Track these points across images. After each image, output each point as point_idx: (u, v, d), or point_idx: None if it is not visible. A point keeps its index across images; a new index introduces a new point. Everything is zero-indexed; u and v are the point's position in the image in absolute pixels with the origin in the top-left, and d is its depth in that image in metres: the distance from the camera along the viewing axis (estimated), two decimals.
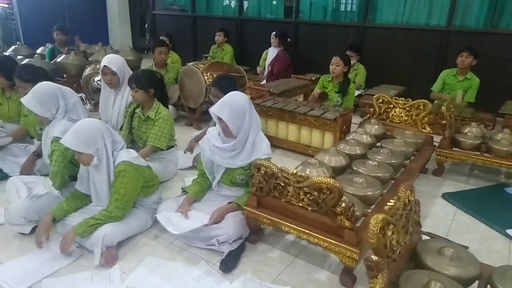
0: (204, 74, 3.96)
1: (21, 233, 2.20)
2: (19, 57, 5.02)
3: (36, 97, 2.29)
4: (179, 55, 5.46)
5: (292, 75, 4.94)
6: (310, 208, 1.85)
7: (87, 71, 4.61)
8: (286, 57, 5.16)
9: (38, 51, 5.52)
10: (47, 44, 5.58)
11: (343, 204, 1.73)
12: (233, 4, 7.18)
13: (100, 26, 7.71)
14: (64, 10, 6.99)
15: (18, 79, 2.83)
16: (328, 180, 1.71)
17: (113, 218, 2.02)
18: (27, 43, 6.01)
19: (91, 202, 2.22)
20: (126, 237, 2.14)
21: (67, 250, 1.98)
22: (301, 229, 1.91)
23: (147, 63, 5.38)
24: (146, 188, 2.21)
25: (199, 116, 4.29)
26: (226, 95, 2.19)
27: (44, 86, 2.35)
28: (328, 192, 1.73)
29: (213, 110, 2.12)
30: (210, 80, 3.97)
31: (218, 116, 2.11)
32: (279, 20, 6.50)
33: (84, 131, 1.95)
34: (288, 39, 5.52)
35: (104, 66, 3.06)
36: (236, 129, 2.12)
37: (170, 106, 3.43)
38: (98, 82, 4.22)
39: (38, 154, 2.80)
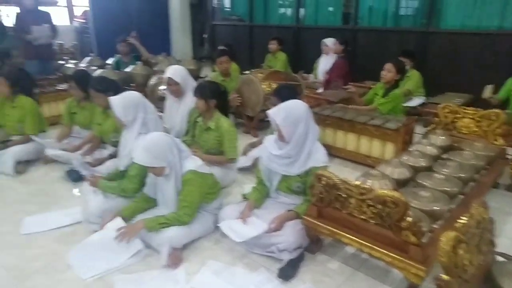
0: (262, 83, 4.04)
1: (97, 231, 2.39)
2: (92, 67, 5.47)
3: (123, 100, 2.51)
4: (237, 64, 5.61)
5: (350, 83, 4.86)
6: (372, 221, 1.82)
7: (152, 80, 4.90)
8: (344, 65, 5.09)
9: (109, 61, 5.97)
10: (115, 55, 6.01)
11: (409, 219, 1.68)
12: (289, 12, 7.24)
13: (164, 38, 8.15)
14: (132, 24, 7.47)
15: (93, 90, 3.10)
16: (394, 193, 1.68)
17: (181, 222, 2.13)
18: (100, 54, 6.52)
19: (156, 205, 2.36)
20: (190, 240, 2.25)
21: (130, 236, 2.09)
22: (362, 242, 1.88)
23: (205, 72, 5.62)
24: (209, 194, 2.31)
25: (256, 124, 4.38)
26: (286, 102, 2.24)
27: (132, 94, 2.59)
28: (393, 206, 1.69)
29: (270, 112, 2.19)
30: (269, 89, 4.05)
31: (274, 122, 2.17)
32: (337, 27, 6.44)
33: (154, 147, 2.08)
34: (349, 48, 5.45)
35: (169, 77, 3.26)
36: (289, 134, 2.15)
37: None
38: (163, 91, 4.48)
39: (113, 156, 3.05)
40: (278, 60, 5.88)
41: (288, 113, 2.14)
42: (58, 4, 6.21)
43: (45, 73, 5.14)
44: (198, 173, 2.17)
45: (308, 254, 2.19)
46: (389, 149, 3.22)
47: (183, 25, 8.51)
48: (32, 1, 5.14)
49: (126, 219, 2.26)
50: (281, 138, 2.18)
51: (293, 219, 2.20)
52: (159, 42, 7.82)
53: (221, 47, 5.67)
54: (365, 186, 1.79)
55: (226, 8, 8.42)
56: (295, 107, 2.21)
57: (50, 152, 3.23)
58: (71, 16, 7.96)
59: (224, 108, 3.00)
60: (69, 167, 3.23)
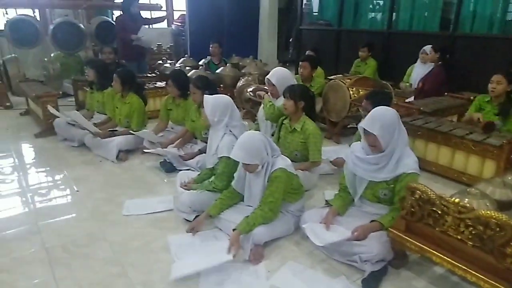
0: (350, 89, 3.98)
1: (186, 219, 2.58)
2: (186, 68, 5.88)
3: (214, 101, 2.68)
4: (322, 68, 5.58)
5: (446, 93, 4.54)
6: (470, 243, 1.69)
7: (240, 82, 5.11)
8: (441, 74, 4.76)
9: (200, 62, 6.35)
10: (207, 56, 6.38)
11: None
12: (380, 16, 6.98)
13: (252, 41, 8.41)
14: (224, 28, 7.87)
15: (193, 86, 3.34)
16: (499, 215, 1.54)
17: (265, 218, 2.21)
18: (193, 55, 6.96)
19: (241, 200, 2.46)
20: (272, 239, 2.31)
21: (236, 249, 2.12)
22: (456, 263, 1.75)
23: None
24: (293, 194, 2.36)
25: (339, 130, 4.32)
26: (374, 110, 2.19)
27: (224, 98, 2.75)
28: (497, 229, 1.55)
29: (364, 125, 2.13)
30: (356, 95, 3.96)
31: (364, 130, 2.12)
32: (433, 33, 6.03)
33: (250, 144, 2.19)
34: (447, 55, 5.09)
35: (266, 78, 3.41)
36: (386, 143, 2.09)
37: None
38: (250, 92, 4.65)
39: (202, 151, 3.25)
40: (367, 66, 5.72)
41: (383, 122, 2.09)
42: (161, 8, 6.74)
43: (141, 73, 5.66)
44: (287, 171, 2.24)
45: (391, 269, 2.11)
46: (489, 167, 2.95)
47: (270, 29, 8.70)
48: (137, 7, 5.72)
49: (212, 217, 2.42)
50: (376, 148, 2.12)
51: (377, 230, 2.13)
52: (247, 45, 8.10)
53: (308, 52, 5.70)
54: (465, 205, 1.67)
55: (314, 12, 8.40)
56: (387, 114, 2.15)
57: (149, 150, 3.50)
58: (170, 19, 8.62)
59: (311, 111, 3.02)
60: (163, 158, 3.53)
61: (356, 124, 3.84)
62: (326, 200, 2.51)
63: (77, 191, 3.05)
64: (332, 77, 5.08)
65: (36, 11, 5.80)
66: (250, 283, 2.03)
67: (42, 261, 2.17)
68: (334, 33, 7.51)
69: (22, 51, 5.61)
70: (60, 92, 4.96)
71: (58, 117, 4.04)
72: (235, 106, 2.80)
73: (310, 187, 3.01)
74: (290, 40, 9.69)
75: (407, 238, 1.96)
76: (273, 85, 3.37)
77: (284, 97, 2.94)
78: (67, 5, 5.60)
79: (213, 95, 2.76)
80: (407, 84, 5.38)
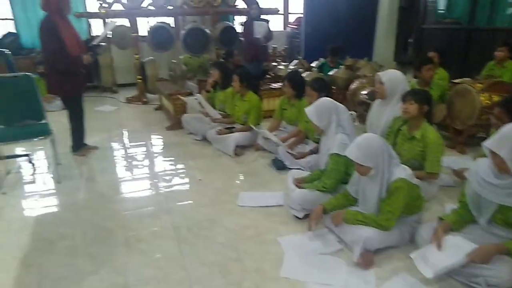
0: (481, 94, 3.59)
1: (295, 216, 2.67)
2: (299, 69, 5.99)
3: (316, 109, 2.72)
4: (447, 71, 5.12)
5: None
6: None
7: (354, 84, 5.01)
8: None
9: (313, 64, 6.40)
10: (320, 58, 6.39)
11: None
12: None
13: (368, 42, 8.16)
14: (339, 30, 7.80)
15: (309, 87, 3.42)
16: None
17: (380, 227, 2.16)
18: (306, 57, 7.06)
19: (356, 204, 2.44)
20: (384, 246, 2.25)
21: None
22: None
23: (407, 78, 5.33)
24: (412, 207, 2.25)
25: (464, 139, 3.92)
26: (506, 128, 1.88)
27: (324, 101, 2.77)
28: None
29: (489, 145, 1.86)
30: (488, 102, 3.56)
31: (490, 150, 1.88)
32: None
33: (367, 146, 2.15)
34: None
35: (377, 74, 3.29)
36: None
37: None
38: (364, 95, 4.53)
39: (313, 152, 3.32)
40: (506, 69, 5.04)
41: None
42: (279, 12, 7.00)
43: (258, 73, 5.95)
44: (408, 182, 2.14)
45: None
46: None
47: (388, 29, 8.31)
48: (257, 11, 6.04)
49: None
50: (504, 170, 1.85)
51: (503, 254, 1.89)
52: (362, 46, 7.88)
53: (431, 54, 5.28)
54: None
55: (440, 10, 7.74)
56: None
57: (266, 133, 3.75)
58: (286, 22, 8.87)
59: (430, 117, 2.83)
60: (274, 156, 3.69)
61: (486, 135, 3.46)
62: (438, 217, 2.27)
63: (200, 179, 3.39)
64: (458, 80, 4.63)
65: (171, 18, 6.56)
66: (358, 286, 2.01)
67: (172, 238, 2.49)
68: (463, 33, 6.82)
69: (157, 54, 6.43)
70: (186, 92, 5.53)
71: (190, 105, 4.55)
72: (336, 102, 2.79)
73: (428, 199, 2.82)
74: (409, 40, 9.09)
75: None
76: (382, 83, 3.22)
77: (404, 100, 2.81)
78: (197, 13, 6.22)
79: (312, 105, 2.78)
80: None
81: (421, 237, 2.20)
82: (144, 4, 5.80)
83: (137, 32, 5.96)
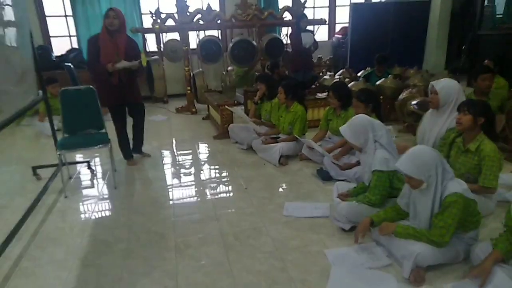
0: None
1: (342, 228, 2.65)
2: (346, 79, 5.93)
3: (351, 128, 2.68)
4: (506, 80, 4.83)
5: None
6: None
7: (403, 94, 4.87)
8: None
9: (359, 74, 6.30)
10: (367, 68, 6.27)
11: None
12: None
13: (417, 50, 7.91)
14: (387, 38, 7.63)
15: (356, 98, 3.38)
16: None
17: (433, 243, 2.08)
18: (352, 67, 6.97)
19: (406, 217, 2.37)
20: (437, 263, 2.16)
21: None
22: None
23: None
24: (469, 223, 2.15)
25: None
26: None
27: (359, 118, 2.71)
28: None
29: None
30: None
31: None
32: None
33: (419, 158, 2.09)
34: None
35: (431, 83, 3.18)
36: None
37: None
38: (414, 106, 4.40)
39: (360, 163, 3.26)
40: None
41: None
42: (326, 23, 7.01)
43: (305, 81, 5.98)
44: (463, 197, 2.04)
45: None
46: None
47: (440, 36, 7.99)
48: (305, 23, 6.12)
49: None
50: None
51: None
52: (412, 54, 7.65)
53: (487, 62, 5.02)
54: None
55: (498, 15, 7.33)
56: None
57: (311, 143, 3.76)
58: (331, 32, 8.84)
59: (490, 130, 2.68)
60: (320, 166, 3.68)
61: None
62: (491, 240, 2.11)
63: (246, 188, 3.45)
64: None
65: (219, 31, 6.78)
66: None
67: (219, 244, 2.57)
68: None
69: (206, 66, 6.67)
70: (235, 102, 5.68)
71: (237, 115, 4.65)
72: (370, 118, 2.73)
73: (485, 214, 2.67)
74: (463, 47, 8.67)
75: None
76: (436, 93, 3.09)
77: (459, 111, 2.69)
78: (244, 25, 6.39)
79: (346, 124, 2.73)
80: None
81: (476, 256, 2.09)
82: (194, 19, 6.06)
83: (188, 46, 6.23)
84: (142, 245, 2.60)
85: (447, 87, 3.08)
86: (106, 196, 3.42)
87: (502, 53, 6.48)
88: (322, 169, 3.62)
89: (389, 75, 5.62)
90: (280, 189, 3.45)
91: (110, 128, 3.75)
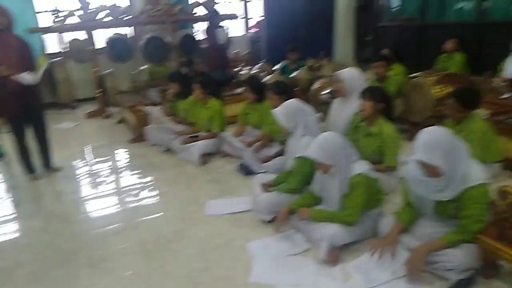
0: (433, 87, 3.74)
1: (264, 220, 2.68)
2: (262, 73, 6.04)
3: (284, 110, 2.75)
4: (403, 66, 5.31)
5: None
6: None
7: (316, 85, 5.10)
8: None
9: (275, 67, 6.46)
10: (283, 61, 6.46)
11: None
12: (470, 6, 6.41)
13: (328, 42, 8.31)
14: (300, 31, 7.92)
15: (271, 91, 3.45)
16: None
17: (345, 222, 2.21)
18: (269, 61, 7.11)
19: (321, 202, 2.48)
20: (349, 242, 2.29)
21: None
22: None
23: (366, 75, 5.50)
24: (372, 201, 2.31)
25: None
26: (427, 136, 1.93)
27: (291, 102, 2.80)
28: None
29: (423, 158, 1.89)
30: (440, 94, 3.72)
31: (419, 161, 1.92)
32: None
33: (326, 144, 2.20)
34: None
35: (335, 73, 3.37)
36: (446, 169, 1.88)
37: None
38: (325, 95, 4.62)
39: (279, 154, 3.37)
40: (454, 61, 5.30)
41: (445, 148, 1.87)
42: (238, 17, 7.05)
43: (224, 80, 5.96)
44: (366, 176, 2.20)
45: (481, 279, 1.96)
46: None
47: (347, 28, 8.53)
48: (219, 19, 6.10)
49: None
50: (434, 175, 1.92)
51: (438, 250, 1.95)
52: (323, 46, 8.03)
53: (384, 51, 5.46)
54: None
55: (394, 7, 8.02)
56: (446, 138, 1.91)
57: (230, 139, 3.76)
58: (247, 27, 8.92)
59: (389, 113, 2.92)
60: (241, 161, 3.69)
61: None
62: (395, 213, 2.30)
63: (165, 191, 3.33)
64: (414, 75, 4.82)
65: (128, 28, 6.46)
66: (326, 285, 2.04)
67: (138, 254, 2.44)
68: (416, 28, 7.10)
69: (118, 66, 6.29)
70: (151, 102, 5.45)
71: (153, 115, 4.47)
72: (302, 103, 2.84)
73: (389, 191, 2.90)
74: (368, 38, 9.37)
75: (499, 247, 1.81)
76: (341, 81, 3.29)
77: (362, 98, 2.88)
78: (154, 22, 6.14)
79: (280, 106, 2.81)
80: (500, 79, 4.86)
81: (383, 229, 2.26)
82: (100, 16, 5.68)
83: (94, 45, 5.82)
84: (51, 266, 2.37)
85: (350, 76, 3.29)
86: (4, 219, 3.05)
87: (399, 43, 7.11)
88: (244, 164, 3.63)
89: (303, 67, 5.85)
90: (203, 189, 3.38)
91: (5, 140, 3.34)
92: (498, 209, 1.78)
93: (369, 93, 2.81)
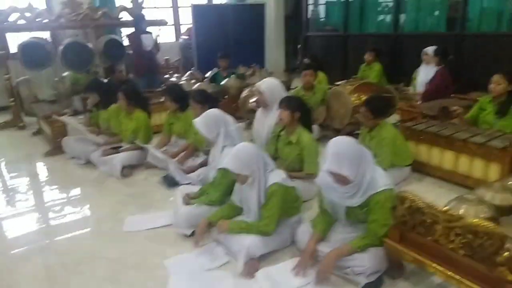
0: (351, 95, 3.94)
1: (184, 235, 2.59)
2: (192, 81, 5.94)
3: (204, 120, 2.71)
4: (328, 75, 5.55)
5: (452, 95, 4.44)
6: (462, 252, 1.64)
7: (244, 93, 5.13)
8: (446, 75, 4.66)
9: (207, 75, 6.40)
10: (214, 68, 6.42)
11: (506, 254, 1.48)
12: (388, 19, 6.92)
13: (259, 50, 8.43)
14: (230, 39, 7.94)
15: (192, 100, 3.39)
16: (487, 223, 1.49)
17: (262, 232, 2.20)
18: (200, 68, 7.03)
19: (242, 213, 2.46)
20: (267, 251, 2.28)
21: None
22: (450, 273, 1.70)
23: (296, 83, 5.66)
24: (290, 208, 2.34)
25: None
26: (335, 147, 1.99)
27: (212, 112, 2.77)
28: (486, 238, 1.50)
29: (331, 168, 1.94)
30: (357, 101, 3.93)
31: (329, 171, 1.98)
32: (440, 33, 5.94)
33: (243, 155, 2.20)
34: (450, 56, 4.98)
35: (255, 86, 3.41)
36: (355, 175, 1.96)
37: (315, 126, 3.56)
38: (252, 103, 4.66)
39: (203, 165, 3.30)
40: (372, 70, 5.66)
41: (351, 158, 1.95)
42: (167, 24, 6.88)
43: (152, 87, 5.77)
44: (282, 185, 2.22)
45: (388, 279, 2.06)
46: (494, 170, 2.86)
47: (277, 37, 8.74)
48: (145, 25, 5.90)
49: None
50: (343, 183, 1.99)
51: (348, 255, 2.02)
52: (254, 55, 8.14)
53: (306, 60, 5.68)
54: (453, 213, 1.62)
55: (321, 18, 8.40)
56: (352, 148, 1.99)
57: (153, 151, 3.62)
58: (177, 33, 8.77)
59: (307, 122, 3.00)
60: (165, 173, 3.57)
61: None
62: (312, 221, 2.35)
63: (82, 209, 3.11)
64: (338, 83, 5.05)
65: (48, 33, 5.99)
66: None
67: (42, 280, 2.22)
68: (340, 39, 7.48)
69: (34, 73, 5.80)
70: (70, 110, 5.10)
71: (71, 126, 4.19)
72: (223, 114, 2.83)
73: (308, 198, 2.97)
74: (298, 47, 9.69)
75: (402, 248, 1.92)
76: (261, 93, 3.35)
77: (279, 108, 2.94)
78: (75, 26, 5.76)
79: (201, 116, 2.78)
80: (412, 88, 5.29)
81: (299, 238, 2.30)
82: (12, 18, 5.20)
83: (6, 50, 5.31)
84: None
85: (270, 86, 3.35)
86: None
87: (324, 52, 7.45)
88: (168, 175, 3.51)
89: (233, 75, 5.86)
90: (123, 204, 3.19)
91: None
92: (398, 213, 1.88)
93: (285, 102, 2.87)
